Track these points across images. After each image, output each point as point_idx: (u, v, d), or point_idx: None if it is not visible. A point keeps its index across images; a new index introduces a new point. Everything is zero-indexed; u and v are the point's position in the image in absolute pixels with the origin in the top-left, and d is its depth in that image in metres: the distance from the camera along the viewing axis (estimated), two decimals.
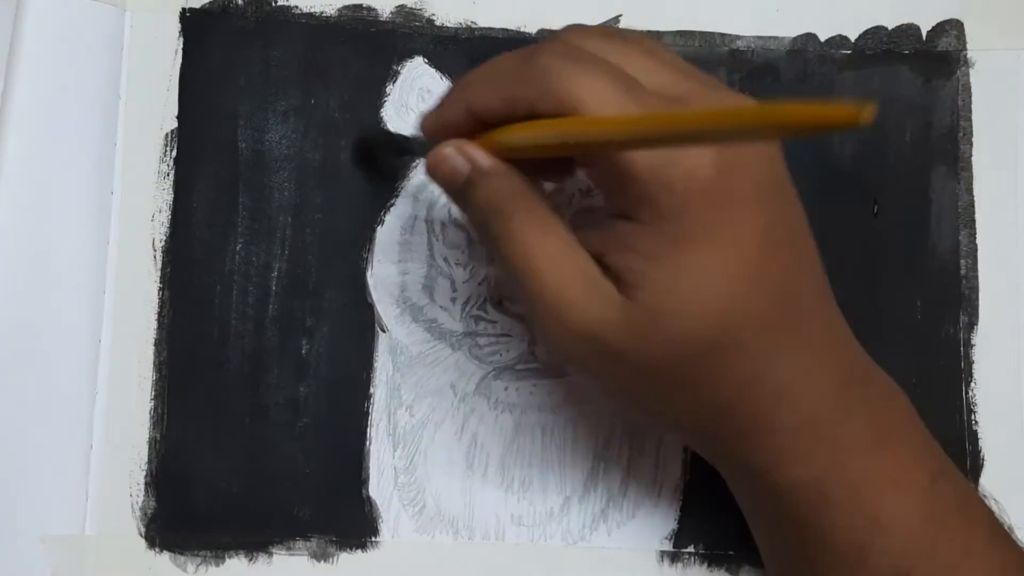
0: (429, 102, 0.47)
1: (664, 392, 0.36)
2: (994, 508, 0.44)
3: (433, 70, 0.47)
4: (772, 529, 0.39)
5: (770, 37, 0.48)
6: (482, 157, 0.37)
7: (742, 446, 0.36)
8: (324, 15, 0.48)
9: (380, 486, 0.45)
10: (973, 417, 0.46)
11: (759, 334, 0.34)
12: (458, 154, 0.37)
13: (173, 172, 0.47)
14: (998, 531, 0.39)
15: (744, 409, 0.35)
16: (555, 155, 0.37)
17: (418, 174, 0.47)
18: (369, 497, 0.45)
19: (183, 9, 0.48)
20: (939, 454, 0.39)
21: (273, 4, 0.48)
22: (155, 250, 0.46)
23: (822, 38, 0.48)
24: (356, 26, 0.48)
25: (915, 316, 0.46)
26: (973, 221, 0.47)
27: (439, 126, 0.38)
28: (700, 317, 0.33)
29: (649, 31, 0.48)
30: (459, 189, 0.37)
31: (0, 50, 0.45)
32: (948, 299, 0.46)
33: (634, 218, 0.34)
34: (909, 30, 0.49)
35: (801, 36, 0.48)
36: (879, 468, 0.36)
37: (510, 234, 0.35)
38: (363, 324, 0.46)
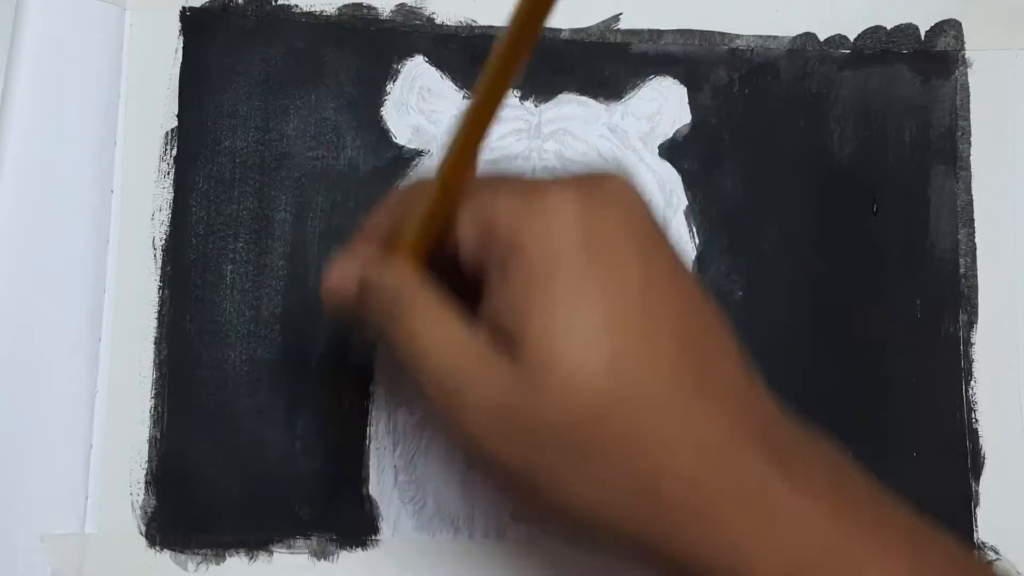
0: (430, 101, 0.47)
1: (573, 465, 0.31)
2: (992, 512, 0.45)
3: (434, 69, 0.47)
4: None
5: (769, 36, 0.48)
6: (367, 263, 0.36)
7: (678, 532, 0.31)
8: (324, 14, 0.48)
9: (380, 484, 0.45)
10: (973, 416, 0.46)
11: (658, 386, 0.30)
12: (342, 269, 0.37)
13: (173, 171, 0.47)
14: None
15: (670, 476, 0.30)
16: (436, 240, 0.35)
17: (418, 173, 0.47)
18: (369, 495, 0.45)
19: (183, 8, 0.48)
20: (909, 517, 0.33)
21: (273, 3, 0.48)
22: (155, 249, 0.46)
23: (821, 38, 0.48)
24: (356, 25, 0.48)
25: (915, 315, 0.46)
26: (972, 220, 0.47)
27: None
28: (586, 366, 0.30)
29: (649, 30, 0.48)
30: (355, 311, 0.36)
31: (0, 50, 0.45)
32: (948, 298, 0.47)
33: (507, 279, 0.32)
34: (908, 30, 0.49)
35: (800, 36, 0.48)
36: (851, 545, 0.31)
37: (402, 335, 0.34)
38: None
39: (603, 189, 0.32)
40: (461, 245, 0.34)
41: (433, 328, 0.33)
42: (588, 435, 0.30)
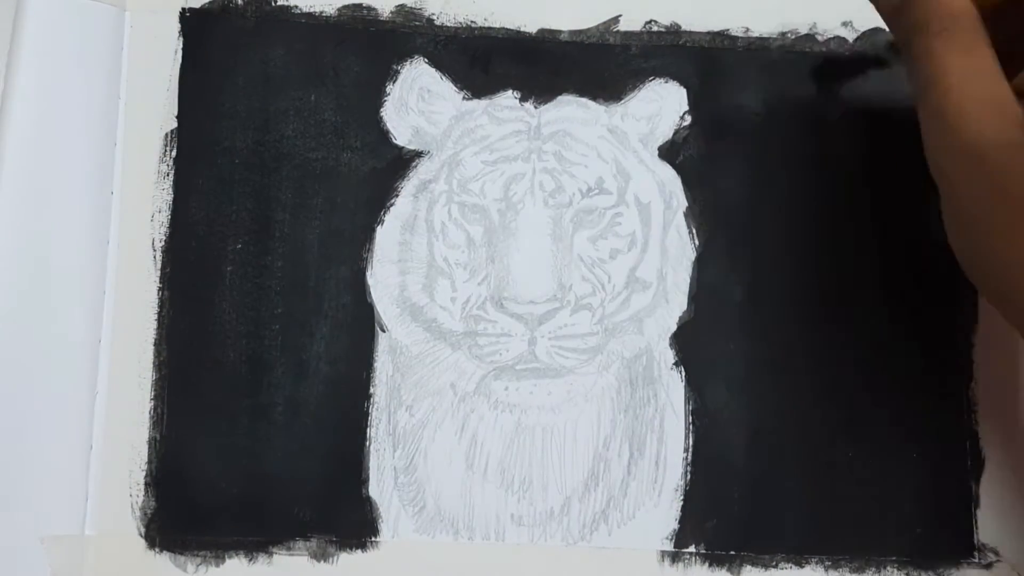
0: (430, 102, 0.47)
1: None
2: (992, 512, 0.45)
3: (433, 70, 0.47)
4: None
5: (769, 38, 0.48)
6: None
7: None
8: (324, 15, 0.48)
9: (380, 486, 0.45)
10: (973, 417, 0.46)
11: None
12: None
13: (173, 172, 0.47)
14: None
15: None
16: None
17: (418, 174, 0.47)
18: (369, 497, 0.45)
19: (183, 9, 0.48)
20: None
21: (273, 4, 0.48)
22: (155, 250, 0.46)
23: (821, 39, 0.48)
24: (356, 26, 0.48)
25: (915, 316, 0.46)
26: None
27: None
28: None
29: (649, 32, 0.48)
30: (894, 10, 0.39)
31: (0, 50, 0.45)
32: (948, 298, 0.47)
33: None
34: None
35: (800, 37, 0.48)
36: None
37: (930, 50, 0.37)
38: (363, 324, 0.46)
39: None
40: None
41: (960, 59, 0.36)
42: None
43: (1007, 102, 0.36)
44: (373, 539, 0.44)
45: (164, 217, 0.46)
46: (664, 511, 0.45)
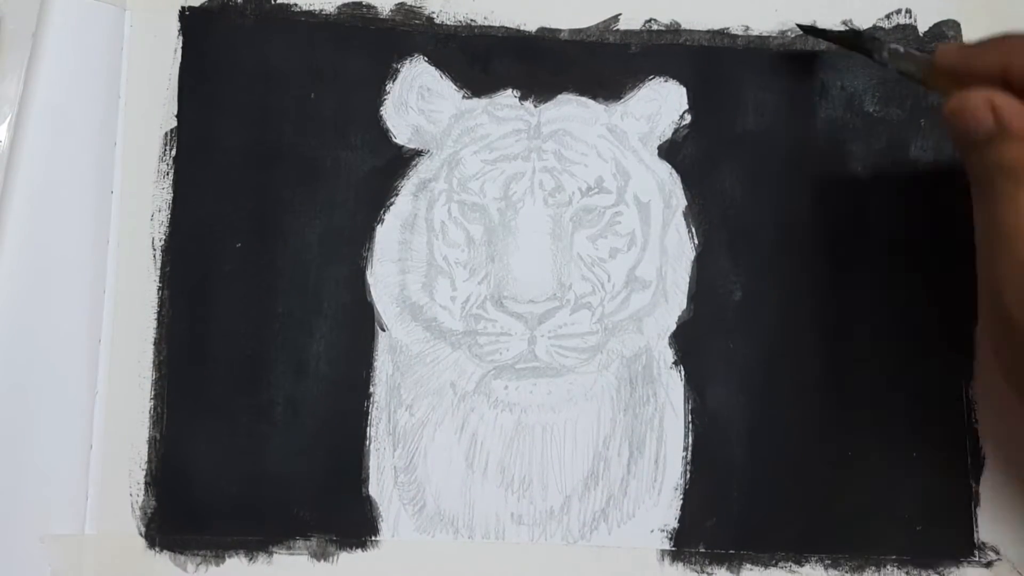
0: (429, 100, 0.47)
1: None
2: (992, 512, 0.45)
3: (433, 68, 0.47)
4: None
5: (769, 37, 0.48)
6: (1016, 118, 0.37)
7: None
8: (324, 13, 0.48)
9: (380, 485, 0.45)
10: (973, 416, 0.46)
11: None
12: (987, 110, 0.38)
13: (173, 171, 0.47)
14: None
15: None
16: None
17: (417, 173, 0.47)
18: (369, 496, 0.45)
19: (182, 8, 0.48)
20: None
21: (272, 2, 0.48)
22: (155, 249, 0.46)
23: None
24: (356, 24, 0.48)
25: (915, 315, 0.46)
26: (971, 219, 0.47)
27: (958, 66, 0.39)
28: None
29: (648, 31, 0.48)
30: (972, 142, 0.38)
31: (8, 53, 0.45)
32: (947, 298, 0.47)
33: None
34: (907, 30, 0.49)
35: (799, 36, 0.48)
36: None
37: (1013, 198, 0.36)
38: (363, 323, 0.46)
39: None
40: None
41: None
42: None
43: None
44: (373, 538, 0.44)
45: (164, 216, 0.46)
46: (664, 510, 0.45)
